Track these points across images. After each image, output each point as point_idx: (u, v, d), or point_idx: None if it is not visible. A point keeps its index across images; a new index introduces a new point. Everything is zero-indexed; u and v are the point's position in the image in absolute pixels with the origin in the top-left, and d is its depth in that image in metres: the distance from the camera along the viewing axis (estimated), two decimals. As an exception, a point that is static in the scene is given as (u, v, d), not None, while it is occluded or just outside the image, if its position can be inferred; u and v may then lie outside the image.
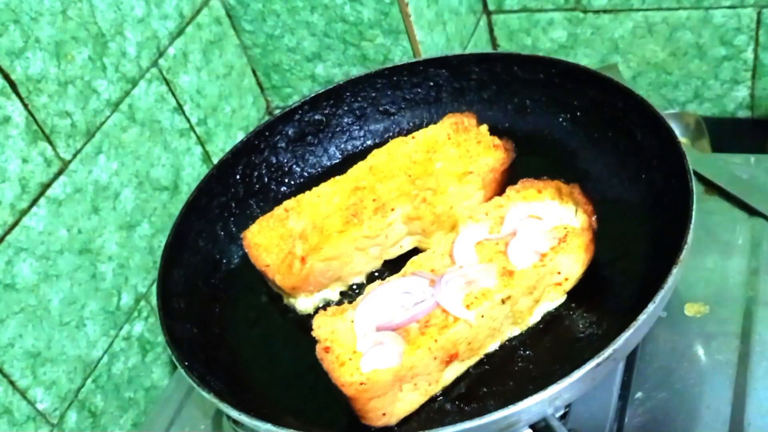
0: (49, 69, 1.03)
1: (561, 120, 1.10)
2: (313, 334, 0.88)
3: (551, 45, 1.55)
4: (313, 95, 1.15)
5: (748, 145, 1.54)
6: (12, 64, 0.98)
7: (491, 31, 1.56)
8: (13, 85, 0.98)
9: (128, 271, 1.16)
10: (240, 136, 1.37)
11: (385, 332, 0.85)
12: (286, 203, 1.04)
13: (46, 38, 1.02)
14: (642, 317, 0.78)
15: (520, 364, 0.90)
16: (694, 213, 0.85)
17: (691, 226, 0.84)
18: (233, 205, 1.10)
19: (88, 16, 1.08)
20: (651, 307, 0.79)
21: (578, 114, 1.08)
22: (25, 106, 1.00)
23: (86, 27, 1.08)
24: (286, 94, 1.43)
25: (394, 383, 0.83)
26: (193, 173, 1.27)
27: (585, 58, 1.55)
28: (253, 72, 1.41)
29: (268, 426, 0.80)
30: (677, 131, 1.52)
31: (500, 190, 1.00)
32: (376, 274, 1.02)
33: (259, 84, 1.43)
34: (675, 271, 0.81)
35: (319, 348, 0.86)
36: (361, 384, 0.82)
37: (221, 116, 1.33)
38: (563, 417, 0.89)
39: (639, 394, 0.90)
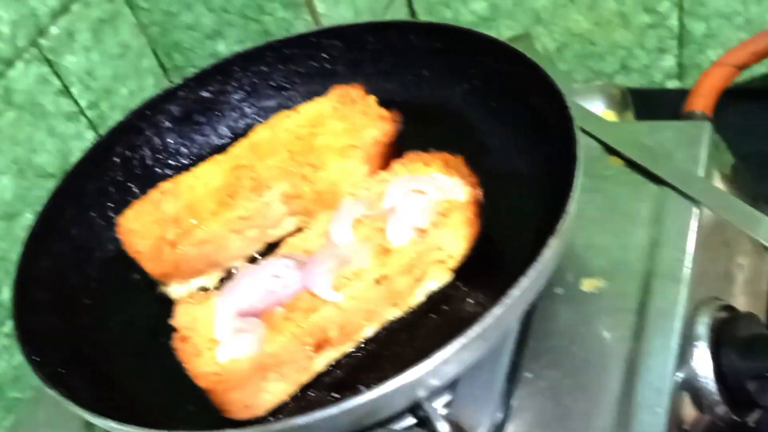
0: None
1: (460, 91, 1.04)
2: (172, 322, 0.81)
3: (472, 17, 1.49)
4: (198, 71, 1.08)
5: (676, 115, 1.50)
6: None
7: (410, 3, 1.50)
8: None
9: (9, 264, 1.09)
10: (140, 119, 1.30)
11: (245, 318, 0.79)
12: (163, 185, 0.97)
13: None
14: (514, 292, 0.72)
15: (400, 348, 0.84)
16: (577, 181, 0.79)
17: (574, 195, 0.79)
18: (112, 190, 1.03)
19: (-52, -9, 1.01)
20: (523, 281, 0.73)
21: (477, 84, 1.02)
22: None
23: (-53, 4, 1.01)
24: (189, 73, 1.36)
25: (255, 373, 0.77)
26: (85, 159, 1.20)
27: (508, 30, 1.50)
28: (154, 52, 1.34)
29: (120, 426, 0.73)
30: (602, 103, 1.46)
31: (386, 165, 0.94)
32: (257, 258, 0.96)
33: (162, 65, 1.36)
34: (552, 242, 0.75)
35: (175, 337, 0.80)
36: (216, 375, 0.76)
37: (117, 99, 1.27)
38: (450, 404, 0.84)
39: (528, 375, 0.84)
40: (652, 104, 1.49)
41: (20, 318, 0.85)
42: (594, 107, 1.19)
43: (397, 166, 0.92)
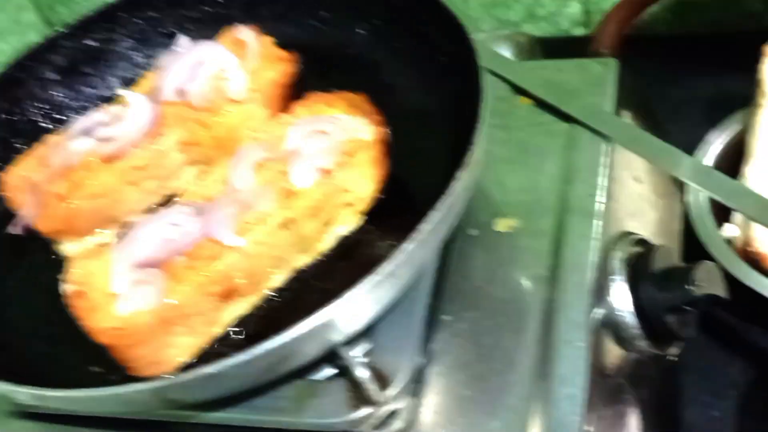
0: None
1: (362, 31, 1.00)
2: (66, 279, 0.76)
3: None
4: (82, 18, 1.01)
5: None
6: None
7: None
8: None
9: None
10: (23, 76, 1.22)
11: (146, 270, 0.74)
12: (49, 138, 0.91)
13: None
14: (425, 227, 0.70)
15: (313, 296, 0.80)
16: (484, 112, 0.77)
17: (481, 127, 0.76)
18: (-7, 146, 0.96)
19: None
20: (434, 215, 0.70)
21: (377, 23, 0.99)
22: None
23: None
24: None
25: (160, 326, 0.72)
26: (-37, 120, 1.12)
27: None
28: (36, 5, 1.26)
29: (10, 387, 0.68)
30: (509, 52, 1.45)
31: (288, 108, 0.90)
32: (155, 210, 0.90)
33: (46, 19, 1.27)
34: (461, 175, 0.72)
35: (69, 293, 0.74)
36: (117, 330, 0.71)
37: (-2, 55, 1.18)
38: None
39: (447, 317, 0.82)
40: (560, 52, 1.49)
41: None
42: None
43: (298, 108, 0.89)
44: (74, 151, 0.86)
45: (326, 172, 0.80)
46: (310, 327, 0.66)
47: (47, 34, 1.21)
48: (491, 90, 0.79)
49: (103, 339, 0.71)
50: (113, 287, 0.73)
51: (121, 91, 0.90)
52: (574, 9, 1.46)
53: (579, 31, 1.50)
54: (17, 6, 1.22)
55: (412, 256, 0.70)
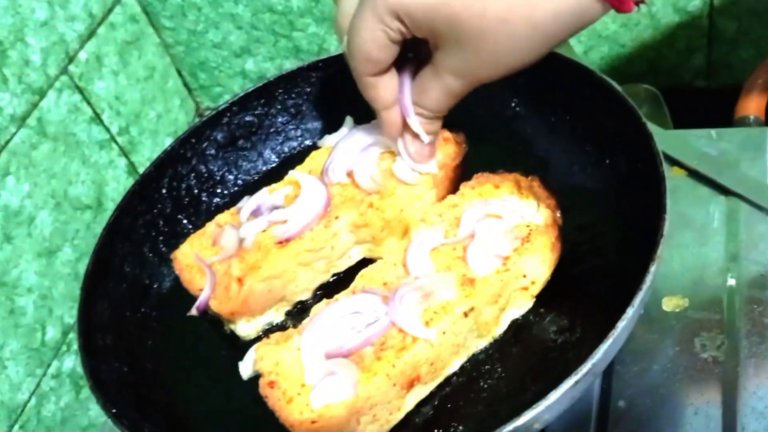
0: (-62, 86, 0.91)
1: (514, 105, 1.01)
2: (255, 367, 0.78)
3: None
4: (241, 95, 1.05)
5: (707, 115, 1.48)
6: None
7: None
8: None
9: (51, 302, 1.05)
10: (168, 142, 1.26)
11: (336, 360, 0.75)
12: (219, 217, 0.94)
13: (-68, 51, 0.91)
14: (620, 324, 0.70)
15: (489, 382, 0.81)
16: (667, 202, 0.77)
17: (666, 217, 0.76)
18: (161, 222, 0.99)
19: (-20, 23, 0.96)
20: (629, 312, 0.70)
21: (532, 97, 0.99)
22: None
23: (-21, 35, 0.96)
24: (216, 93, 1.32)
25: (350, 417, 0.74)
26: (119, 188, 1.17)
27: (533, 35, 1.46)
28: (179, 72, 1.30)
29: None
30: (635, 106, 1.44)
31: (454, 188, 0.91)
32: (324, 290, 0.92)
33: (186, 85, 1.32)
34: (652, 269, 0.73)
35: (262, 383, 0.76)
36: (313, 422, 0.73)
37: (145, 123, 1.23)
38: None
39: (621, 403, 0.82)
40: (681, 104, 1.48)
41: (91, 368, 0.80)
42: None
43: (465, 189, 0.90)
44: (248, 233, 0.88)
45: (505, 259, 0.81)
46: (513, 426, 0.67)
47: (193, 106, 1.26)
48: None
49: (298, 431, 0.73)
50: (306, 379, 0.75)
51: (292, 173, 0.93)
52: (698, 61, 1.45)
53: (701, 83, 1.49)
54: (162, 74, 1.26)
55: (608, 353, 0.70)
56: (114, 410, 0.77)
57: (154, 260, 0.97)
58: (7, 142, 0.99)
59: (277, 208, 0.90)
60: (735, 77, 1.41)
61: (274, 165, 1.07)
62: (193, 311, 0.89)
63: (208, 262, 0.89)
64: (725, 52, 1.41)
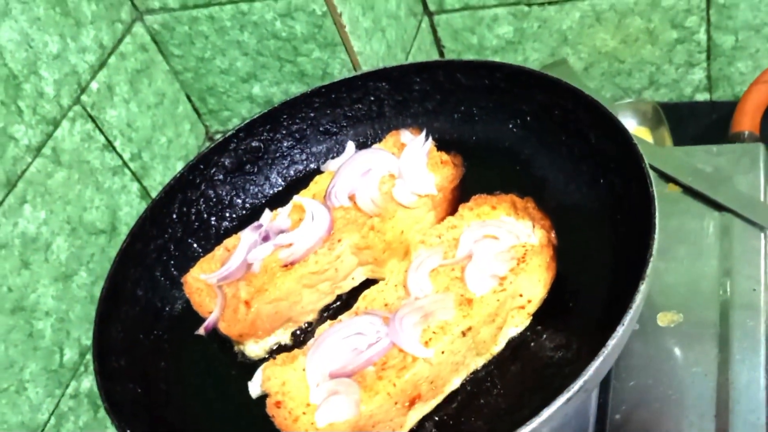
0: (-43, 120, 0.95)
1: (511, 126, 1.04)
2: (262, 387, 0.81)
3: (498, 42, 1.49)
4: (247, 121, 1.08)
5: (707, 128, 1.51)
6: None
7: (434, 32, 1.50)
8: None
9: (69, 324, 1.09)
10: (179, 166, 1.30)
11: (339, 380, 0.79)
12: (227, 241, 0.97)
13: (-50, 87, 0.95)
14: (611, 342, 0.73)
15: (488, 398, 0.84)
16: (657, 222, 0.80)
17: (656, 237, 0.79)
18: (172, 247, 1.03)
19: (-4, 58, 1.00)
20: (620, 330, 0.73)
21: (528, 119, 1.02)
22: (-66, 163, 0.92)
23: (-5, 70, 1.00)
24: (224, 117, 1.36)
25: (354, 434, 0.77)
26: (132, 212, 1.20)
27: (534, 53, 1.50)
28: (188, 98, 1.34)
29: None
30: (634, 120, 1.47)
31: (452, 209, 0.94)
32: (330, 311, 0.95)
33: (196, 110, 1.35)
34: (642, 288, 0.75)
35: (269, 403, 0.79)
36: (317, 440, 0.76)
37: (157, 148, 1.26)
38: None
39: (617, 417, 0.85)
40: (682, 118, 1.50)
41: (106, 390, 0.84)
42: (627, 124, 1.20)
43: (464, 210, 0.93)
44: (255, 257, 0.92)
45: (501, 279, 0.83)
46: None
47: (202, 130, 1.29)
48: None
49: (304, 448, 0.76)
50: (311, 398, 0.78)
51: (297, 198, 0.96)
52: (698, 75, 1.47)
53: (702, 97, 1.51)
54: (173, 100, 1.30)
55: (600, 369, 0.73)
56: (128, 430, 0.80)
57: (166, 284, 1.01)
58: (24, 171, 1.03)
59: (282, 231, 0.93)
60: (734, 91, 1.44)
61: (280, 188, 1.10)
62: (201, 331, 0.92)
63: (216, 284, 0.92)
64: (724, 66, 1.43)
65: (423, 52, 1.46)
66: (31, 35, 1.05)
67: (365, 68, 1.23)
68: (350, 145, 1.02)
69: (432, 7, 1.45)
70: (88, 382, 1.12)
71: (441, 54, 1.52)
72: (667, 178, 1.04)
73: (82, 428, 1.11)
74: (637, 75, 1.49)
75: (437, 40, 1.51)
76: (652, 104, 1.45)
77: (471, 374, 0.85)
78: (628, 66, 1.48)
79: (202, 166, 1.06)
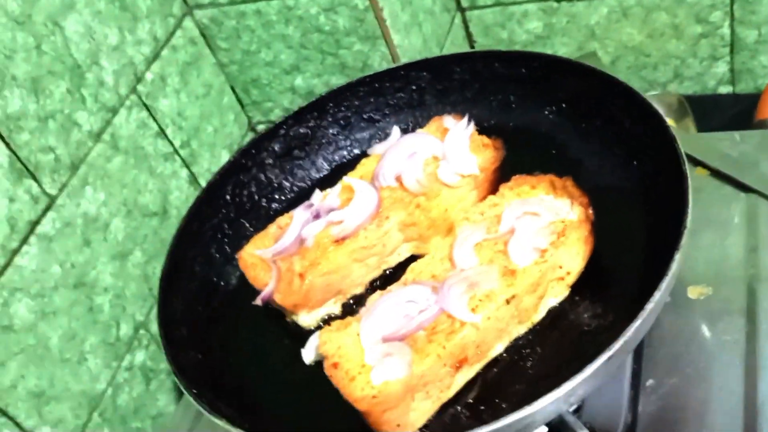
0: (28, 105, 1.02)
1: (547, 113, 1.10)
2: (320, 350, 0.87)
3: (528, 36, 1.55)
4: (296, 110, 1.14)
5: (731, 120, 1.55)
6: (-10, 104, 0.97)
7: (466, 27, 1.56)
8: (-8, 125, 0.97)
9: (125, 300, 1.15)
10: (224, 154, 1.36)
11: (392, 343, 0.84)
12: (279, 220, 1.03)
13: (22, 75, 1.01)
14: (649, 306, 0.78)
15: (529, 363, 0.89)
16: (690, 196, 0.85)
17: (689, 211, 0.84)
18: (226, 226, 1.09)
19: (62, 48, 1.07)
20: (657, 295, 0.79)
21: (564, 105, 1.08)
22: (7, 145, 0.99)
23: (62, 60, 1.06)
24: (266, 108, 1.42)
25: (406, 393, 0.83)
26: (181, 196, 1.26)
27: (562, 47, 1.55)
28: (232, 89, 1.40)
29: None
30: (661, 113, 1.52)
31: (494, 189, 1.00)
32: (377, 283, 1.01)
33: (239, 101, 1.42)
34: (677, 257, 0.81)
35: (327, 364, 0.85)
36: (374, 397, 0.81)
37: (204, 136, 1.32)
38: (577, 411, 0.89)
39: (650, 382, 0.90)
40: (706, 110, 1.55)
41: (173, 356, 0.90)
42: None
43: (504, 190, 0.98)
44: (308, 233, 0.98)
45: (542, 251, 0.89)
46: (546, 403, 0.75)
47: (245, 120, 1.36)
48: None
49: (361, 406, 0.82)
50: (366, 359, 0.84)
51: (346, 179, 1.02)
52: (722, 68, 1.52)
53: (725, 90, 1.56)
54: (218, 91, 1.36)
55: (639, 331, 0.78)
56: (194, 390, 0.86)
57: (221, 260, 1.07)
58: (86, 155, 1.09)
59: (333, 210, 0.99)
60: (757, 83, 1.49)
61: (326, 173, 1.17)
62: (258, 301, 0.98)
63: (271, 258, 0.98)
64: (747, 60, 1.48)
65: (456, 47, 1.51)
66: (93, 28, 1.11)
67: (404, 60, 1.29)
68: (395, 130, 1.08)
69: (465, 3, 1.51)
70: (141, 356, 1.18)
71: (472, 48, 1.58)
72: (695, 162, 1.09)
73: (135, 399, 1.17)
74: (662, 68, 1.55)
75: (469, 35, 1.57)
76: (676, 96, 1.50)
77: (513, 341, 0.91)
78: (653, 60, 1.53)
79: (254, 151, 1.12)
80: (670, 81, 1.57)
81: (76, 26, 1.09)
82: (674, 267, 0.80)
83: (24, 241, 1.00)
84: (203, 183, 1.30)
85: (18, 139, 1.00)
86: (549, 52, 1.56)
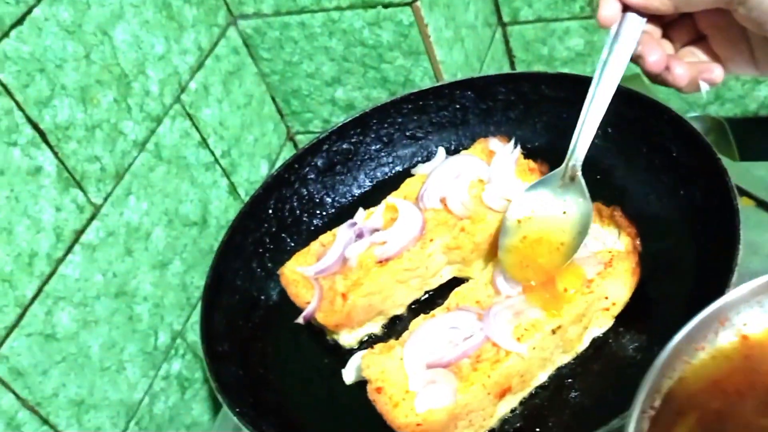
0: (76, 115, 1.02)
1: (595, 139, 1.09)
2: (363, 374, 0.87)
3: (568, 53, 1.54)
4: (339, 125, 1.15)
5: (772, 145, 1.54)
6: (40, 113, 0.97)
7: (507, 42, 1.55)
8: (42, 134, 0.98)
9: (163, 310, 1.16)
10: (263, 164, 1.37)
11: (436, 370, 0.84)
12: (322, 237, 1.03)
13: (71, 84, 1.01)
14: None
15: (572, 394, 0.89)
16: (741, 234, 0.84)
17: (740, 248, 0.83)
18: (267, 240, 1.10)
19: (110, 58, 1.07)
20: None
21: (609, 131, 1.07)
22: (55, 154, 0.99)
23: (109, 69, 1.07)
24: (306, 119, 1.42)
25: (450, 422, 0.83)
26: (221, 206, 1.27)
27: (603, 65, 1.54)
28: (273, 99, 1.40)
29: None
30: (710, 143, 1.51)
31: (539, 215, 0.99)
32: (415, 307, 1.01)
33: (279, 111, 1.42)
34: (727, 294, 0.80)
35: (370, 388, 0.85)
36: (418, 425, 0.81)
37: (244, 146, 1.33)
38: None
39: (693, 416, 0.89)
40: (746, 133, 1.54)
41: (215, 372, 0.90)
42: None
43: (549, 216, 0.98)
44: (352, 253, 0.98)
45: (589, 281, 0.89)
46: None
47: (284, 130, 1.36)
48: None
49: (404, 432, 0.82)
50: (410, 386, 0.84)
51: (390, 199, 1.02)
52: (763, 92, 1.51)
53: (766, 113, 1.55)
54: (259, 101, 1.36)
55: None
56: (237, 409, 0.87)
57: (262, 275, 1.07)
58: (130, 165, 1.10)
59: (376, 230, 0.99)
60: (800, 108, 1.47)
61: (367, 189, 1.17)
62: (300, 320, 0.98)
63: (313, 276, 0.99)
64: (790, 84, 1.47)
65: (496, 61, 1.51)
66: (140, 37, 1.12)
67: (446, 76, 1.29)
68: (441, 151, 1.08)
69: (506, 19, 1.50)
70: (177, 365, 1.19)
71: (512, 63, 1.58)
72: (740, 192, 1.08)
73: (171, 408, 1.17)
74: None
75: (509, 50, 1.57)
76: (717, 119, 1.49)
77: (555, 370, 0.91)
78: (695, 81, 1.52)
79: (296, 166, 1.13)
80: (711, 103, 1.56)
81: (124, 35, 1.09)
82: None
83: (68, 250, 1.01)
84: (242, 193, 1.31)
85: (66, 148, 1.01)
86: (589, 69, 1.55)
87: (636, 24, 0.78)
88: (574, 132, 0.86)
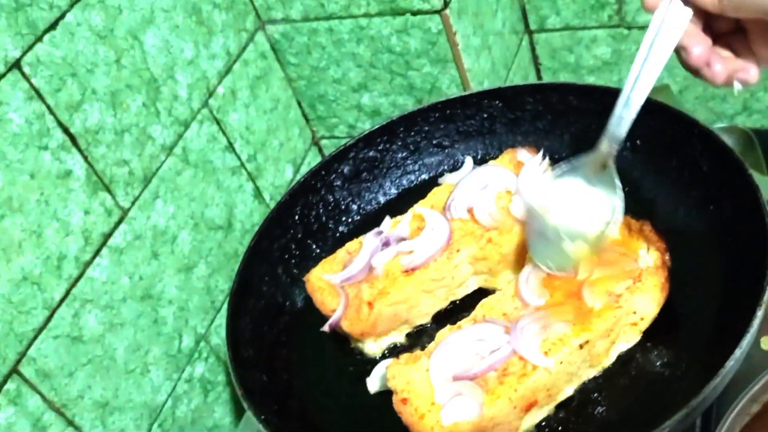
0: (105, 119, 1.03)
1: (622, 149, 1.08)
2: (389, 384, 0.87)
3: (595, 62, 1.53)
4: (366, 132, 1.15)
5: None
6: (71, 117, 0.98)
7: (533, 50, 1.55)
8: (72, 138, 0.98)
9: (188, 313, 1.16)
10: (288, 169, 1.37)
11: (463, 382, 0.84)
12: (348, 245, 1.03)
13: (101, 89, 1.02)
14: (729, 363, 0.77)
15: (598, 409, 0.88)
16: (772, 254, 0.84)
17: (771, 270, 0.83)
18: (293, 246, 1.10)
19: (140, 62, 1.08)
20: (738, 352, 0.78)
21: (638, 143, 1.06)
22: (85, 158, 1.00)
23: (139, 74, 1.08)
24: (331, 124, 1.42)
25: (475, 434, 0.82)
26: (246, 210, 1.27)
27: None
28: (299, 104, 1.40)
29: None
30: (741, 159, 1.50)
31: (567, 228, 0.99)
32: (440, 317, 1.01)
33: (305, 116, 1.42)
34: (759, 313, 0.79)
35: (396, 400, 0.85)
36: (443, 437, 0.81)
37: (270, 151, 1.33)
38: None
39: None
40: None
41: (241, 378, 0.91)
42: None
43: (578, 229, 0.97)
44: (378, 262, 0.98)
45: (617, 296, 0.88)
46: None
47: (310, 135, 1.36)
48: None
49: (430, 444, 0.82)
50: (436, 398, 0.84)
51: (417, 208, 1.02)
52: (792, 103, 1.49)
53: (795, 124, 1.53)
54: (285, 106, 1.37)
55: (715, 389, 0.77)
56: (262, 416, 0.87)
57: (287, 281, 1.07)
58: (158, 168, 1.10)
59: (403, 239, 0.99)
60: (828, 120, 1.46)
61: (393, 196, 1.17)
62: (326, 328, 0.98)
63: (339, 284, 0.99)
64: (819, 96, 1.45)
65: (522, 69, 1.50)
66: (170, 42, 1.12)
67: (472, 84, 1.29)
68: (468, 161, 1.08)
69: (533, 26, 1.50)
70: (201, 368, 1.19)
71: (538, 71, 1.57)
72: (769, 206, 1.07)
73: (193, 411, 1.18)
74: (730, 100, 1.52)
75: (535, 58, 1.56)
76: (745, 130, 1.48)
77: (581, 384, 0.90)
78: (722, 91, 1.51)
79: (323, 173, 1.13)
80: (738, 113, 1.55)
81: (154, 40, 1.10)
82: (755, 324, 0.79)
83: (96, 253, 1.02)
84: (267, 197, 1.31)
85: (95, 152, 1.01)
86: (615, 78, 1.55)
87: (683, 14, 0.76)
88: (610, 120, 0.83)
